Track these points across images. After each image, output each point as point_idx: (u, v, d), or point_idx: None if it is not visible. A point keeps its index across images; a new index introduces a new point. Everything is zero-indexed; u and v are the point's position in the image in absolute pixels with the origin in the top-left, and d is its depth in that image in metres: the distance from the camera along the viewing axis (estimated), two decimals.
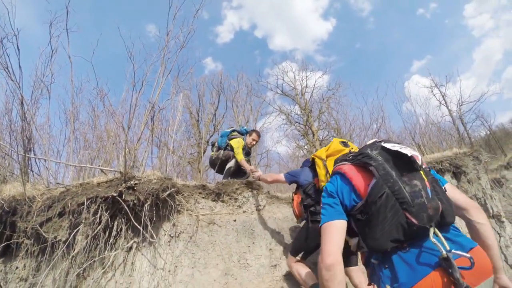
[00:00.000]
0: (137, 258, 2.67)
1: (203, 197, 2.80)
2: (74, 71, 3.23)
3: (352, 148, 2.09)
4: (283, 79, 14.21)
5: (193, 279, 2.49)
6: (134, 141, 2.83)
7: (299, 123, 13.30)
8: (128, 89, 3.07)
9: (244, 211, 2.81)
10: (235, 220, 2.74)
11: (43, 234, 2.76)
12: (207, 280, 2.48)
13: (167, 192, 2.52)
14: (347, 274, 2.21)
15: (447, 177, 4.28)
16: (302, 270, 2.18)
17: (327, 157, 2.14)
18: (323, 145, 10.86)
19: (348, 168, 1.25)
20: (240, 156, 3.60)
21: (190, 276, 2.51)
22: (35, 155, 3.47)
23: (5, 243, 2.71)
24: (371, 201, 1.07)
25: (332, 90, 13.51)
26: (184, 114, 10.78)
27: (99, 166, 2.97)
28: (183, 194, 2.68)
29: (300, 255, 2.25)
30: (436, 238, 0.98)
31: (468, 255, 0.92)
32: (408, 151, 1.12)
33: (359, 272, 2.22)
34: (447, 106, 8.01)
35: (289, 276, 2.60)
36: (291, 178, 2.51)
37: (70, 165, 2.99)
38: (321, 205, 1.26)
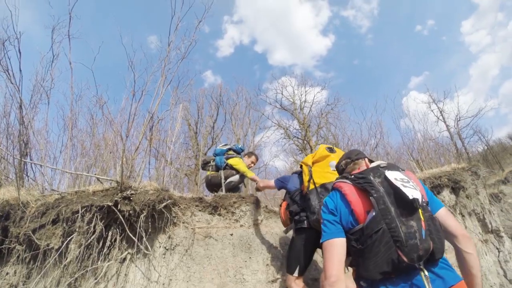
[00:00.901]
0: (130, 269, 2.62)
1: (199, 210, 2.76)
2: (74, 77, 3.24)
3: (338, 154, 2.18)
4: (282, 94, 14.25)
5: None
6: (131, 150, 2.81)
7: (297, 138, 13.31)
8: (128, 98, 3.07)
9: (241, 225, 2.77)
10: (231, 234, 2.69)
11: (36, 240, 2.71)
12: None
13: (164, 204, 2.48)
14: None
15: (446, 192, 4.26)
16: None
17: (313, 163, 2.18)
18: None
19: (349, 190, 1.27)
20: (251, 173, 3.58)
21: None
22: (31, 160, 3.44)
23: None
24: (367, 234, 1.13)
25: (331, 105, 13.57)
26: (183, 125, 10.83)
27: (95, 174, 2.93)
28: (179, 206, 2.64)
29: (296, 271, 2.14)
30: (425, 276, 1.07)
31: None
32: (409, 193, 1.14)
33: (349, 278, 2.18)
34: (445, 122, 8.10)
35: None
36: (280, 183, 2.56)
37: (66, 172, 2.96)
38: (322, 220, 1.31)
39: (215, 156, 3.73)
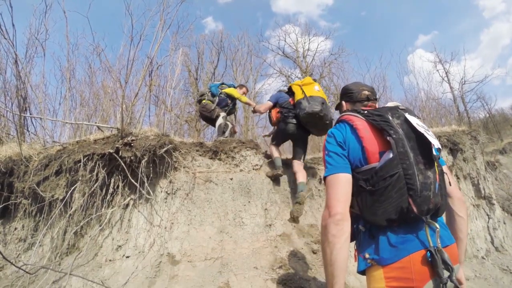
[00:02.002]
0: (133, 215, 2.69)
1: (200, 155, 2.79)
2: (69, 27, 3.15)
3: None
4: (285, 41, 13.63)
5: (188, 236, 2.52)
6: (131, 97, 2.79)
7: None
8: (126, 44, 2.98)
9: (241, 170, 2.82)
10: (231, 179, 2.74)
11: (41, 193, 2.76)
12: (203, 237, 2.51)
13: (164, 149, 2.50)
14: (292, 164, 3.08)
15: (444, 152, 4.30)
16: (274, 149, 3.14)
17: (302, 85, 2.98)
18: None
19: (361, 125, 1.15)
20: (245, 98, 4.13)
21: (185, 233, 2.54)
22: (30, 114, 3.43)
23: (3, 204, 2.71)
24: (381, 176, 1.04)
25: (335, 55, 12.99)
26: (183, 72, 10.56)
27: (95, 123, 2.93)
28: (180, 151, 2.66)
29: (274, 142, 3.21)
30: (429, 231, 1.02)
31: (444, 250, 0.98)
32: (435, 142, 1.07)
33: (301, 165, 3.06)
34: (449, 83, 7.97)
35: (283, 236, 2.65)
36: (275, 97, 3.27)
37: (67, 122, 2.96)
38: (326, 151, 1.20)
39: (210, 88, 4.18)
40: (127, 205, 2.72)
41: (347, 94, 1.46)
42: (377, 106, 1.39)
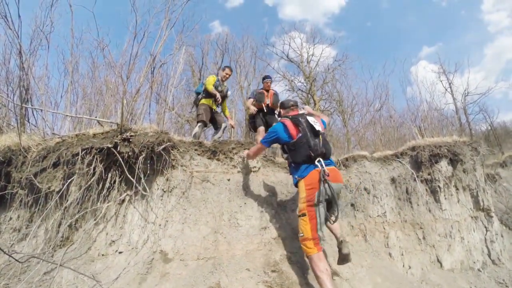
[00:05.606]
0: (129, 211, 2.68)
1: (198, 154, 2.78)
2: (74, 21, 3.15)
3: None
4: (289, 45, 13.70)
5: (183, 234, 2.51)
6: (133, 94, 2.79)
7: (301, 91, 12.99)
8: (130, 40, 2.99)
9: (239, 171, 2.81)
10: (229, 180, 2.73)
11: (37, 184, 2.75)
12: (197, 236, 2.50)
13: (163, 146, 2.49)
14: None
15: (444, 162, 4.26)
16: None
17: None
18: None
19: (288, 123, 2.41)
20: (210, 87, 4.03)
21: (180, 231, 2.53)
22: (32, 105, 3.44)
23: (0, 193, 2.70)
24: (297, 143, 2.31)
25: (339, 61, 13.08)
26: (187, 72, 10.61)
27: (96, 117, 2.93)
28: (178, 150, 2.65)
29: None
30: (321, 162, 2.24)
31: (327, 170, 2.20)
32: (317, 126, 2.39)
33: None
34: (452, 94, 8.01)
35: (278, 240, 2.63)
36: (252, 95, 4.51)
37: (67, 115, 2.95)
38: (269, 130, 2.56)
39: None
40: (123, 200, 2.71)
41: (283, 105, 2.78)
42: (298, 111, 2.67)
